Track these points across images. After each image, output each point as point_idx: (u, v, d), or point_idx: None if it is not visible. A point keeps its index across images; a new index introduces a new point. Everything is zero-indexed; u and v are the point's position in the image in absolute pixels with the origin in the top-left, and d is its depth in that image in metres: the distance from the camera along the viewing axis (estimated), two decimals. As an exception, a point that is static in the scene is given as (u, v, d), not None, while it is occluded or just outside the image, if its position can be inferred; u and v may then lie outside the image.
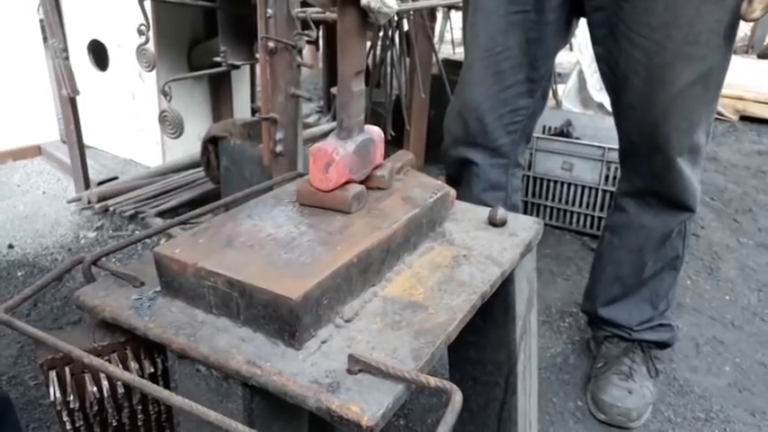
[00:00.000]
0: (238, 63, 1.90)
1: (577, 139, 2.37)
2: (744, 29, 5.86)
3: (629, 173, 1.38)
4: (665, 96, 1.19)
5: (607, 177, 2.16)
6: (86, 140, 2.44)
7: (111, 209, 2.30)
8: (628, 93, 1.24)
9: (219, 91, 2.85)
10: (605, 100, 2.95)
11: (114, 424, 0.69)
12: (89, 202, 2.34)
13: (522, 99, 1.35)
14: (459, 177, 1.43)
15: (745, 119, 3.84)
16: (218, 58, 1.87)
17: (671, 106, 1.20)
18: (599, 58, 1.29)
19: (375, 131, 0.81)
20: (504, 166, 1.41)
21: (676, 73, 1.17)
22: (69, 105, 2.25)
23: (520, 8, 1.25)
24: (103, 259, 0.74)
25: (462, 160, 1.41)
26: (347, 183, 0.77)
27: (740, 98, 3.86)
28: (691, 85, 1.17)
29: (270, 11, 1.37)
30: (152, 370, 0.69)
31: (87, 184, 2.43)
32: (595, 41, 1.27)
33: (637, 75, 1.20)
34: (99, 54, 2.86)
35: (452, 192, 0.89)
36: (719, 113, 3.79)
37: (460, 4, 1.42)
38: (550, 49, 1.33)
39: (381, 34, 2.56)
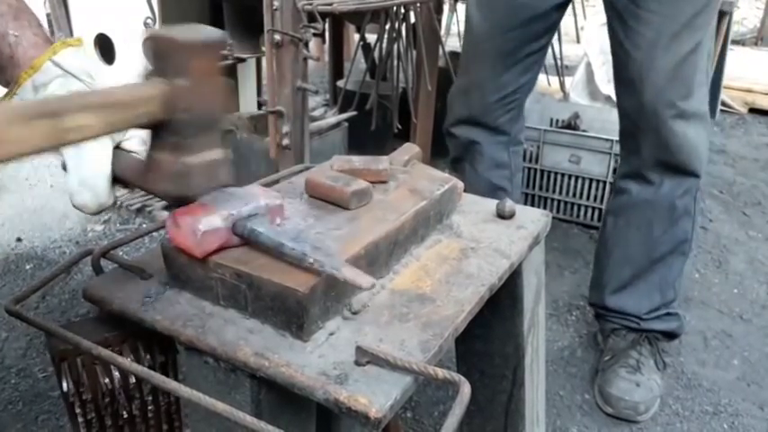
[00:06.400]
0: (245, 56, 1.90)
1: (585, 131, 2.35)
2: (753, 21, 5.80)
3: (631, 152, 1.39)
4: (667, 65, 1.24)
5: (615, 170, 2.15)
6: (94, 134, 2.45)
7: (119, 202, 2.30)
8: (629, 68, 1.28)
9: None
10: (613, 92, 2.92)
11: (125, 415, 0.69)
12: (96, 196, 2.35)
13: (523, 76, 1.41)
14: (464, 158, 1.48)
15: (754, 111, 3.80)
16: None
17: (674, 73, 1.24)
18: (610, 39, 1.33)
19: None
20: (504, 143, 1.48)
21: (681, 41, 1.22)
22: (76, 99, 2.25)
23: None
24: (111, 252, 0.74)
25: (465, 140, 1.46)
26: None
27: (749, 90, 3.82)
28: (692, 53, 1.24)
29: (276, 3, 1.37)
30: (162, 360, 0.69)
31: (95, 178, 2.44)
32: (608, 24, 1.33)
33: (638, 49, 1.25)
34: (105, 48, 2.86)
35: (460, 184, 0.89)
36: (728, 106, 3.75)
37: (467, -5, 1.44)
38: (551, 22, 1.38)
39: (388, 27, 2.55)
